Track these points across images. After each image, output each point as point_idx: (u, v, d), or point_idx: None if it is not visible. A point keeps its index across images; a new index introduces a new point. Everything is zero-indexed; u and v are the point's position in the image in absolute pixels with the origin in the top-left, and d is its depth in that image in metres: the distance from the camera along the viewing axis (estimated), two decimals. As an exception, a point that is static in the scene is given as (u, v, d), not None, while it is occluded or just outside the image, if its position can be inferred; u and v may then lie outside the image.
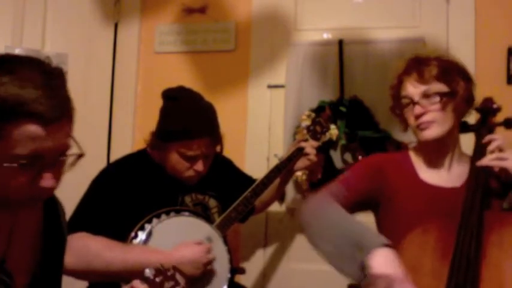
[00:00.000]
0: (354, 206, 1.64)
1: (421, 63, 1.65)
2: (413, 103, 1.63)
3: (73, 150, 1.10)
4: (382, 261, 1.28)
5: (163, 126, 1.98)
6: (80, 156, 1.11)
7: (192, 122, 1.92)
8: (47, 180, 1.06)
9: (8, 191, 1.05)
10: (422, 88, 1.62)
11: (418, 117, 1.62)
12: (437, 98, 1.61)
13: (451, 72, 1.64)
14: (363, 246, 1.31)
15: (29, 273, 1.19)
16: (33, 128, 1.01)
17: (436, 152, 1.69)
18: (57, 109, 1.04)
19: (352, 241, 1.35)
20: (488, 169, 1.59)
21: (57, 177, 1.09)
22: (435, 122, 1.62)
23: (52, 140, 1.04)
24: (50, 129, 1.03)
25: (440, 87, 1.61)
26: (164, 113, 2.01)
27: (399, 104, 1.70)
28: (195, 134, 1.91)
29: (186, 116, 1.93)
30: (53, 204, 1.30)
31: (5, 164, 1.02)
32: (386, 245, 1.32)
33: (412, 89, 1.64)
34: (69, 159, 1.10)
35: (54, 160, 1.07)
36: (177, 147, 1.94)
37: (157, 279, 1.20)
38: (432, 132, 1.63)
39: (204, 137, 1.93)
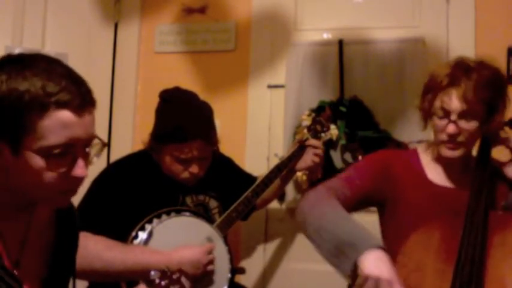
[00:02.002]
0: (355, 205, 1.62)
1: (469, 76, 1.54)
2: (449, 120, 1.55)
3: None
4: (373, 262, 1.27)
5: (157, 129, 1.98)
6: (104, 145, 1.12)
7: (183, 125, 1.90)
8: (80, 169, 1.07)
9: (41, 185, 1.05)
10: (464, 107, 1.53)
11: (450, 136, 1.57)
12: (476, 123, 1.55)
13: (497, 96, 1.56)
14: (355, 246, 1.31)
15: (40, 280, 1.18)
16: (65, 115, 1.02)
17: (452, 163, 1.67)
18: (85, 96, 1.05)
19: (345, 241, 1.34)
20: (493, 169, 1.58)
21: (86, 167, 1.09)
22: (464, 143, 1.58)
23: (83, 127, 1.05)
24: (80, 116, 1.04)
25: (482, 111, 1.54)
26: (158, 115, 2.01)
27: (431, 110, 1.61)
28: (186, 137, 1.90)
29: (178, 119, 1.92)
30: (67, 213, 1.29)
31: (38, 156, 1.02)
32: (379, 247, 1.31)
33: (453, 105, 1.54)
34: (95, 149, 1.11)
35: (84, 149, 1.08)
36: (170, 150, 1.93)
37: (162, 283, 1.20)
38: (458, 154, 1.60)
39: (197, 140, 1.91)
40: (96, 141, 1.11)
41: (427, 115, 1.65)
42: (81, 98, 1.04)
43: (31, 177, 1.04)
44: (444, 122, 1.57)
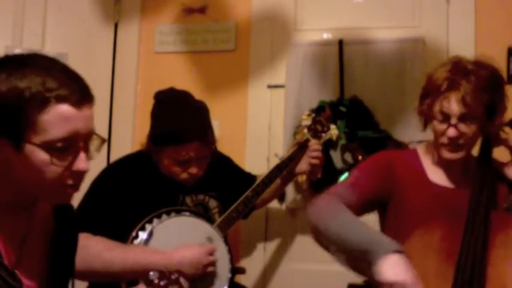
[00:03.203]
0: (362, 209, 1.61)
1: (468, 79, 1.52)
2: (449, 124, 1.56)
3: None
4: (392, 268, 1.27)
5: (153, 131, 1.98)
6: (103, 141, 1.14)
7: (179, 128, 1.90)
8: (82, 162, 1.08)
9: (45, 179, 1.06)
10: (463, 110, 1.53)
11: (450, 139, 1.57)
12: (475, 126, 1.55)
13: (496, 97, 1.56)
14: (372, 253, 1.30)
15: (39, 279, 1.19)
16: (66, 109, 1.04)
17: (452, 165, 1.67)
18: (83, 91, 1.08)
19: (361, 247, 1.34)
20: (494, 170, 1.58)
21: (88, 162, 1.11)
22: (465, 146, 1.59)
23: (83, 121, 1.07)
24: (80, 109, 1.06)
25: (481, 114, 1.54)
26: (153, 117, 2.01)
27: (431, 114, 1.61)
28: (182, 139, 1.90)
29: (173, 121, 1.92)
30: (64, 208, 1.29)
31: (40, 151, 1.04)
32: (397, 251, 1.30)
33: (453, 108, 1.54)
34: (94, 144, 1.12)
35: (85, 143, 1.09)
36: (168, 152, 1.93)
37: (161, 283, 1.20)
38: (459, 156, 1.60)
39: (193, 141, 1.91)
40: (94, 137, 1.12)
41: (426, 118, 1.65)
42: (80, 92, 1.06)
43: (35, 172, 1.05)
44: (444, 125, 1.57)
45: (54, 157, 1.05)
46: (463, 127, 1.55)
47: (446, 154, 1.60)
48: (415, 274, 1.28)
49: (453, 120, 1.55)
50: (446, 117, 1.56)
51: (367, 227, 1.42)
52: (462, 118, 1.54)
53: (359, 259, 1.34)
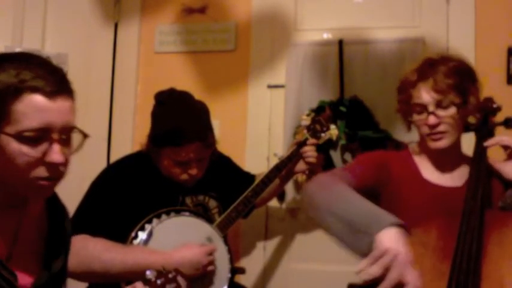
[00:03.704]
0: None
1: (435, 68, 1.62)
2: (428, 112, 1.61)
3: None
4: (392, 238, 1.28)
5: (153, 132, 1.98)
6: (85, 137, 1.14)
7: (179, 129, 1.90)
8: (55, 154, 1.08)
9: (17, 170, 1.07)
10: (437, 97, 1.60)
11: (431, 127, 1.61)
12: (453, 109, 1.60)
13: (465, 80, 1.62)
14: (376, 223, 1.31)
15: (33, 273, 1.19)
16: (38, 99, 1.05)
17: (441, 155, 1.70)
18: (58, 83, 1.08)
19: (363, 218, 1.35)
20: (489, 168, 1.59)
21: (66, 155, 1.11)
22: (447, 132, 1.62)
23: (57, 113, 1.07)
24: (53, 100, 1.07)
25: (455, 97, 1.60)
26: (153, 118, 2.01)
27: (409, 110, 1.67)
28: (182, 140, 1.89)
29: (173, 122, 1.92)
30: (57, 207, 1.30)
31: (13, 141, 1.05)
32: (400, 225, 1.31)
33: (427, 97, 1.61)
34: (75, 140, 1.13)
35: (61, 136, 1.09)
36: (167, 153, 1.93)
37: (158, 281, 1.20)
38: (445, 143, 1.64)
39: (193, 142, 1.90)
40: (76, 131, 1.13)
41: (406, 115, 1.71)
42: (54, 84, 1.07)
43: (7, 161, 1.07)
44: (423, 116, 1.63)
45: (25, 147, 1.06)
46: (441, 113, 1.61)
47: (432, 144, 1.64)
48: (410, 250, 1.28)
49: (430, 108, 1.61)
50: (422, 108, 1.62)
51: (367, 201, 1.44)
52: (438, 104, 1.60)
53: (358, 230, 1.34)
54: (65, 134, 1.10)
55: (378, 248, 1.26)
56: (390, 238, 1.28)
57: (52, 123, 1.07)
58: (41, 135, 1.07)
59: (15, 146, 1.05)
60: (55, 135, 1.08)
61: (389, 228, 1.30)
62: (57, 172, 1.11)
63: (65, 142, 1.11)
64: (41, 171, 1.09)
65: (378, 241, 1.27)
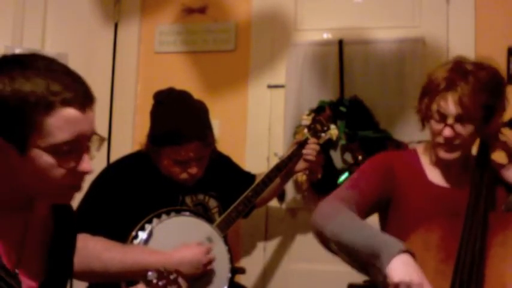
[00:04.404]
0: (367, 211, 1.62)
1: (465, 80, 1.53)
2: (446, 124, 1.56)
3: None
4: (400, 268, 1.27)
5: (152, 132, 1.98)
6: (103, 140, 1.14)
7: (178, 128, 1.90)
8: (86, 164, 1.09)
9: (51, 182, 1.07)
10: (460, 111, 1.53)
11: (446, 139, 1.57)
12: (472, 127, 1.55)
13: (494, 98, 1.55)
14: (380, 255, 1.30)
15: (40, 276, 1.19)
16: (71, 112, 1.05)
17: (450, 164, 1.67)
18: (87, 93, 1.09)
19: (368, 250, 1.34)
20: (493, 171, 1.58)
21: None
22: (461, 147, 1.59)
23: (87, 123, 1.08)
24: (84, 112, 1.07)
25: (478, 114, 1.54)
26: (152, 118, 2.01)
27: (428, 113, 1.62)
28: (181, 139, 1.90)
29: (172, 122, 1.92)
30: (63, 209, 1.30)
31: (46, 154, 1.04)
32: (404, 251, 1.31)
33: (450, 109, 1.54)
34: (94, 144, 1.13)
35: (88, 144, 1.10)
36: (167, 153, 1.93)
37: (160, 283, 1.20)
38: (455, 156, 1.61)
39: (193, 141, 1.91)
40: (95, 136, 1.13)
41: (424, 118, 1.66)
42: (83, 95, 1.07)
43: (40, 174, 1.06)
44: (441, 125, 1.58)
45: (61, 160, 1.06)
46: (459, 128, 1.56)
47: (442, 154, 1.61)
48: (422, 273, 1.28)
49: (449, 121, 1.55)
50: (443, 117, 1.57)
51: (372, 228, 1.43)
52: (459, 119, 1.54)
53: (366, 262, 1.34)
54: (90, 141, 1.11)
55: (390, 283, 1.26)
56: (400, 269, 1.27)
57: (83, 134, 1.08)
58: (73, 147, 1.07)
59: (48, 160, 1.05)
60: (85, 145, 1.09)
61: (397, 257, 1.29)
62: (84, 180, 1.13)
63: (89, 149, 1.12)
64: (71, 180, 1.09)
65: (389, 276, 1.27)
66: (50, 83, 1.03)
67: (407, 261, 1.29)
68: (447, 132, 1.56)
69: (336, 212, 1.50)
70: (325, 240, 1.48)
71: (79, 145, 1.08)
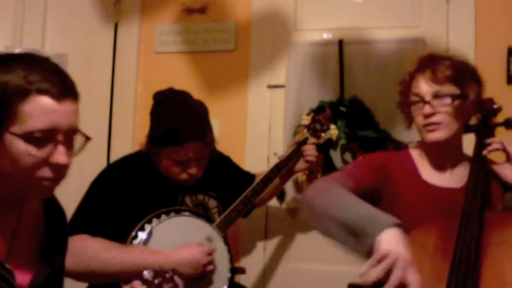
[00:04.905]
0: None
1: (435, 62, 1.64)
2: (424, 102, 1.62)
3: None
4: (392, 239, 1.28)
5: (152, 132, 1.98)
6: (88, 139, 1.16)
7: (178, 128, 1.90)
8: (60, 155, 1.10)
9: (21, 169, 1.08)
10: (435, 88, 1.61)
11: (427, 117, 1.62)
12: (449, 100, 1.60)
13: (465, 75, 1.63)
14: (376, 223, 1.31)
15: (31, 271, 1.20)
16: (46, 101, 1.07)
17: (440, 153, 1.69)
18: (66, 86, 1.11)
19: (361, 220, 1.34)
20: (489, 170, 1.58)
21: (69, 157, 1.13)
22: (443, 124, 1.61)
23: (63, 115, 1.09)
24: (61, 103, 1.09)
25: (453, 89, 1.61)
26: (152, 118, 2.01)
27: (407, 101, 1.69)
28: (181, 139, 1.90)
29: (172, 122, 1.92)
30: (54, 207, 1.31)
31: (19, 140, 1.06)
32: (398, 225, 1.31)
33: (425, 87, 1.63)
34: (78, 142, 1.15)
35: (65, 138, 1.11)
36: (167, 153, 1.94)
37: (156, 281, 1.21)
38: (439, 135, 1.62)
39: (192, 142, 1.91)
40: (79, 134, 1.15)
41: (404, 107, 1.71)
42: (61, 87, 1.09)
43: (11, 161, 1.08)
44: (419, 106, 1.64)
45: (31, 147, 1.07)
46: (436, 103, 1.61)
47: (427, 136, 1.64)
48: (409, 250, 1.28)
49: (426, 98, 1.62)
50: (419, 98, 1.63)
51: (364, 203, 1.44)
52: (434, 95, 1.61)
53: (357, 233, 1.34)
54: (69, 136, 1.12)
55: (378, 250, 1.26)
56: (390, 240, 1.28)
57: (58, 125, 1.09)
58: (46, 137, 1.08)
59: (21, 146, 1.07)
60: (60, 137, 1.10)
61: (388, 229, 1.30)
62: (60, 173, 1.13)
63: (69, 144, 1.13)
64: (45, 172, 1.10)
65: (377, 244, 1.27)
66: (29, 73, 1.06)
67: (400, 236, 1.30)
68: (426, 109, 1.61)
69: (329, 187, 1.54)
70: (314, 212, 1.50)
71: (53, 136, 1.09)
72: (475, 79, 1.66)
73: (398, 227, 1.31)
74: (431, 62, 1.64)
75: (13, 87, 1.05)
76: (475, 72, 1.67)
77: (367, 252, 1.29)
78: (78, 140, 1.15)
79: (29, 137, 1.06)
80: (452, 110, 1.60)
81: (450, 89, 1.61)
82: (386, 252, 1.25)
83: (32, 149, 1.07)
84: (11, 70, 1.06)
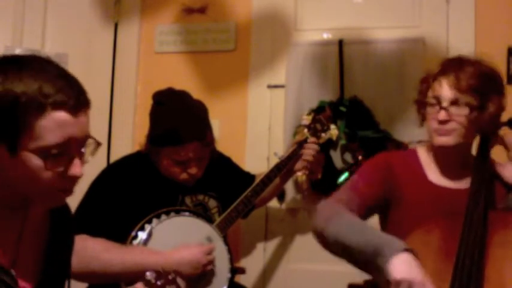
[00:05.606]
0: (367, 212, 1.62)
1: (461, 67, 1.57)
2: (441, 107, 1.57)
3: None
4: (402, 266, 1.27)
5: (152, 132, 1.98)
6: (98, 145, 1.14)
7: (178, 128, 1.90)
8: (76, 168, 1.08)
9: (39, 184, 1.06)
10: (455, 95, 1.56)
11: (440, 123, 1.58)
12: (466, 111, 1.56)
13: (488, 86, 1.57)
14: (382, 253, 1.31)
15: (35, 277, 1.19)
16: (62, 116, 1.04)
17: (447, 156, 1.67)
18: (80, 97, 1.08)
19: (369, 249, 1.34)
20: (492, 170, 1.58)
21: (82, 166, 1.11)
22: (456, 131, 1.58)
23: (79, 127, 1.07)
24: (76, 116, 1.06)
25: (473, 99, 1.55)
26: (152, 118, 2.01)
27: (424, 101, 1.64)
28: (180, 139, 1.90)
29: (171, 122, 1.92)
30: (62, 212, 1.30)
31: (35, 157, 1.03)
32: (406, 249, 1.31)
33: (445, 91, 1.57)
34: (89, 148, 1.13)
35: (80, 148, 1.09)
36: (167, 153, 1.94)
37: (158, 283, 1.21)
38: (448, 140, 1.60)
39: (192, 142, 1.91)
40: (90, 140, 1.12)
41: (421, 106, 1.67)
42: (76, 98, 1.06)
43: (29, 176, 1.05)
44: (435, 109, 1.60)
45: (49, 163, 1.05)
46: (453, 110, 1.57)
47: (437, 140, 1.61)
48: (424, 272, 1.28)
49: (444, 103, 1.57)
50: (437, 101, 1.59)
51: (372, 228, 1.44)
52: (453, 102, 1.57)
53: (368, 261, 1.34)
54: (82, 145, 1.10)
55: (392, 281, 1.26)
56: (401, 267, 1.27)
57: (74, 138, 1.07)
58: (63, 151, 1.06)
59: (37, 162, 1.04)
60: (75, 149, 1.08)
61: (399, 255, 1.29)
62: (75, 184, 1.12)
63: (81, 153, 1.11)
64: (61, 184, 1.09)
65: (390, 274, 1.27)
66: (42, 84, 1.02)
67: (409, 259, 1.29)
68: (441, 115, 1.57)
69: (336, 214, 1.51)
70: (326, 242, 1.49)
71: (69, 149, 1.07)
72: (498, 91, 1.60)
73: (407, 251, 1.31)
74: (457, 66, 1.58)
75: (27, 100, 1.00)
76: (500, 82, 1.62)
77: (385, 281, 1.29)
78: (88, 143, 1.13)
79: (45, 153, 1.04)
80: (467, 120, 1.57)
81: (470, 99, 1.55)
82: (399, 281, 1.25)
83: (48, 164, 1.05)
84: (22, 79, 1.01)
